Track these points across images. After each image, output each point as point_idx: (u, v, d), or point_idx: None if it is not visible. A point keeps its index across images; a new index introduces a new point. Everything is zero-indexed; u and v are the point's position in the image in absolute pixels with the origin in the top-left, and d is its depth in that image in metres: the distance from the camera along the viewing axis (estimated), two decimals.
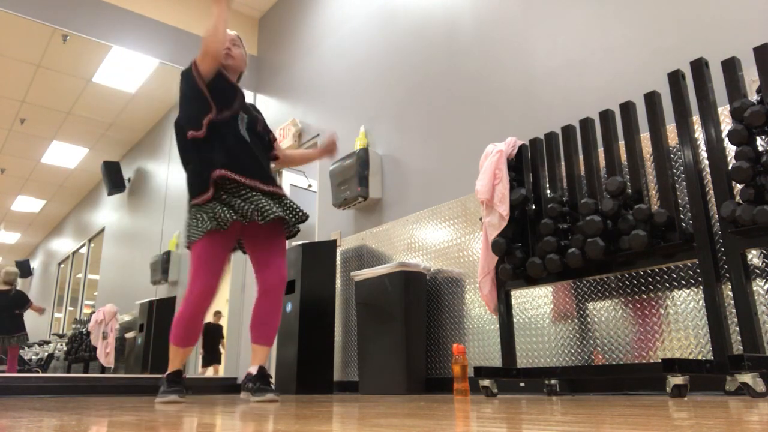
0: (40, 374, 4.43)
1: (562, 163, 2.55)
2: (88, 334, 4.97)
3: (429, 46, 3.71)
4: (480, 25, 3.36)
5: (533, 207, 2.52)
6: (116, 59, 5.10)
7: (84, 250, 5.47)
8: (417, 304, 3.11)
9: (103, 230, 5.46)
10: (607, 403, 1.56)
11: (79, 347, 5.01)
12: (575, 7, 2.83)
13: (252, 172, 2.39)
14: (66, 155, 5.22)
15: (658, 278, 2.24)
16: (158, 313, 4.99)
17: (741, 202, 1.79)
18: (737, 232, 1.80)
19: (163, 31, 5.31)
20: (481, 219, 2.84)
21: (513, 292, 2.78)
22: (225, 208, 2.29)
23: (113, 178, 5.33)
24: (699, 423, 0.87)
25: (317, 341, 3.58)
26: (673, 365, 1.71)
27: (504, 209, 2.45)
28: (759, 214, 1.71)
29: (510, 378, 2.39)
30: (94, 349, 4.91)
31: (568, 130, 2.45)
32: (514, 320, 2.76)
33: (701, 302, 2.10)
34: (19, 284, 4.84)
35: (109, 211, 5.47)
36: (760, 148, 1.84)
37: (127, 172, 5.43)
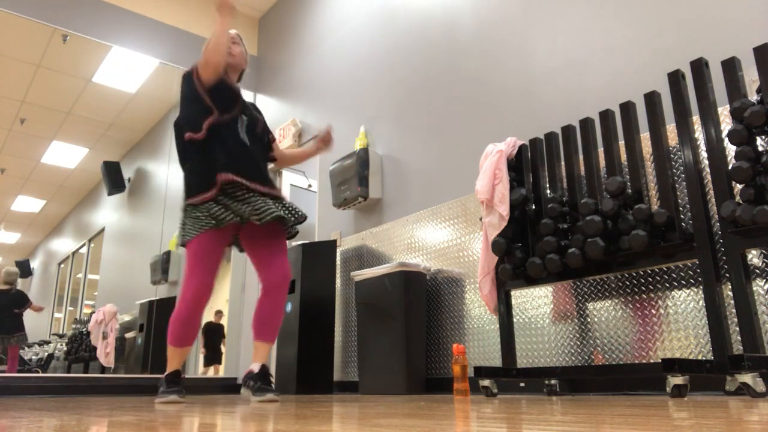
0: (40, 374, 4.43)
1: (562, 163, 2.55)
2: (88, 334, 4.97)
3: (429, 46, 3.71)
4: (480, 25, 3.36)
5: (533, 207, 2.52)
6: (116, 59, 5.10)
7: (84, 250, 5.47)
8: (417, 304, 3.11)
9: (103, 230, 5.45)
10: (607, 403, 1.56)
11: (79, 347, 5.01)
12: (575, 7, 2.83)
13: (251, 174, 2.40)
14: (66, 155, 5.22)
15: (658, 278, 2.24)
16: (158, 313, 4.99)
17: (741, 202, 1.79)
18: (737, 232, 1.80)
19: (163, 31, 5.31)
20: (481, 219, 2.84)
21: (513, 292, 2.78)
22: (222, 209, 2.31)
23: (113, 178, 5.32)
24: (699, 423, 0.87)
25: (317, 341, 3.58)
26: (673, 365, 1.71)
27: (504, 209, 2.45)
28: (759, 214, 1.71)
29: (510, 378, 2.39)
30: (94, 349, 4.91)
31: (568, 130, 2.45)
32: (514, 320, 2.75)
33: (701, 302, 2.10)
34: (19, 284, 4.84)
35: (109, 211, 5.47)
36: (760, 148, 1.84)
37: (127, 172, 5.43)
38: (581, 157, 2.46)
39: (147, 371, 4.79)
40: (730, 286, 1.91)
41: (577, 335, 2.49)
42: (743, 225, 1.76)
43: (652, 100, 2.13)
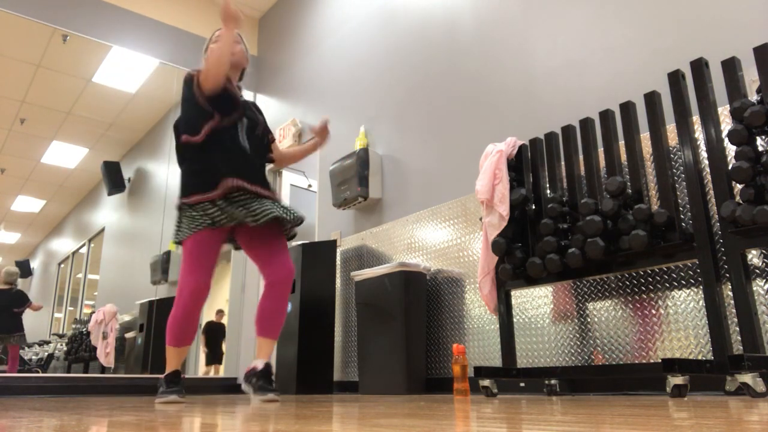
0: (40, 374, 4.43)
1: (562, 163, 2.55)
2: (88, 334, 4.97)
3: (429, 46, 3.71)
4: (480, 25, 3.36)
5: (533, 207, 2.52)
6: (116, 59, 5.10)
7: (84, 250, 5.47)
8: (417, 304, 3.11)
9: (103, 230, 5.46)
10: (607, 403, 1.56)
11: (79, 347, 5.01)
12: (575, 7, 2.83)
13: (251, 179, 2.41)
14: (66, 155, 5.22)
15: (658, 278, 2.24)
16: (158, 313, 4.99)
17: (741, 202, 1.79)
18: (737, 232, 1.80)
19: (163, 31, 5.31)
20: (481, 219, 2.84)
21: (513, 292, 2.78)
22: (218, 211, 2.32)
23: (113, 178, 5.32)
24: (699, 423, 0.87)
25: (317, 341, 3.58)
26: (673, 365, 1.71)
27: (504, 209, 2.45)
28: (759, 214, 1.71)
29: (510, 378, 2.39)
30: (94, 349, 4.91)
31: (568, 130, 2.45)
32: (514, 320, 2.75)
33: (701, 302, 2.10)
34: (20, 284, 4.84)
35: (109, 211, 5.47)
36: (760, 148, 1.84)
37: (127, 172, 5.43)
38: (581, 157, 2.46)
39: (147, 371, 4.79)
40: (730, 286, 1.91)
41: (577, 335, 2.49)
42: (743, 225, 1.76)
43: (652, 100, 2.13)
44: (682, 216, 2.17)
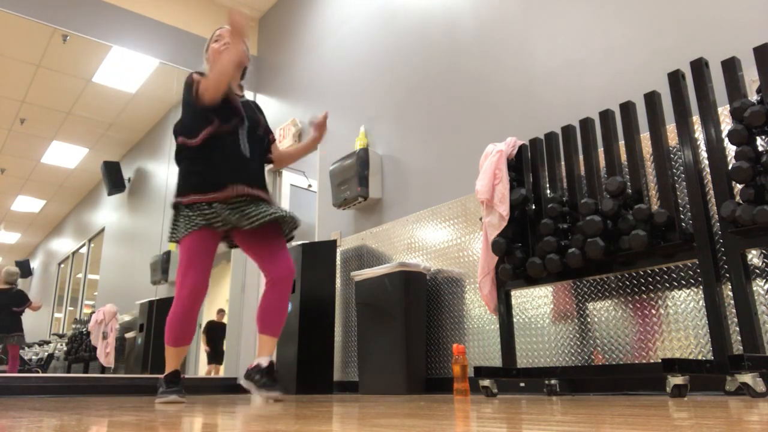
0: (40, 374, 4.43)
1: (562, 163, 2.55)
2: (88, 334, 4.97)
3: (429, 46, 3.71)
4: (480, 25, 3.36)
5: (533, 207, 2.52)
6: (116, 59, 5.10)
7: (84, 250, 5.47)
8: (417, 304, 3.11)
9: (103, 230, 5.46)
10: (607, 403, 1.56)
11: (79, 347, 5.01)
12: (575, 7, 2.83)
13: (250, 182, 2.41)
14: (66, 155, 5.22)
15: (658, 278, 2.24)
16: (158, 313, 4.99)
17: (741, 202, 1.79)
18: (737, 232, 1.80)
19: (163, 31, 5.31)
20: (481, 219, 2.84)
21: (513, 292, 2.78)
22: (213, 213, 2.32)
23: (113, 178, 5.32)
24: (699, 423, 0.87)
25: (317, 341, 3.58)
26: (673, 365, 1.71)
27: (504, 209, 2.45)
28: (759, 214, 1.71)
29: (510, 378, 2.39)
30: (94, 349, 4.91)
31: (568, 130, 2.45)
32: (514, 320, 2.75)
33: (701, 302, 2.10)
34: (20, 284, 4.84)
35: (109, 211, 5.47)
36: (760, 148, 1.84)
37: (127, 172, 5.43)
38: (581, 157, 2.46)
39: (147, 371, 4.79)
40: (730, 286, 1.91)
41: (577, 335, 2.49)
42: (743, 225, 1.76)
43: (652, 100, 2.13)
44: (682, 216, 2.17)
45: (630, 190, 2.14)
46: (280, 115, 5.32)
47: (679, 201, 2.16)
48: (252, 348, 4.86)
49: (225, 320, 6.45)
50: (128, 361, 5.04)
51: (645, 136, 2.36)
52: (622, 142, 2.42)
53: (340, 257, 4.11)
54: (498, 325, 2.72)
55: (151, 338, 4.88)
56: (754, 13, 2.17)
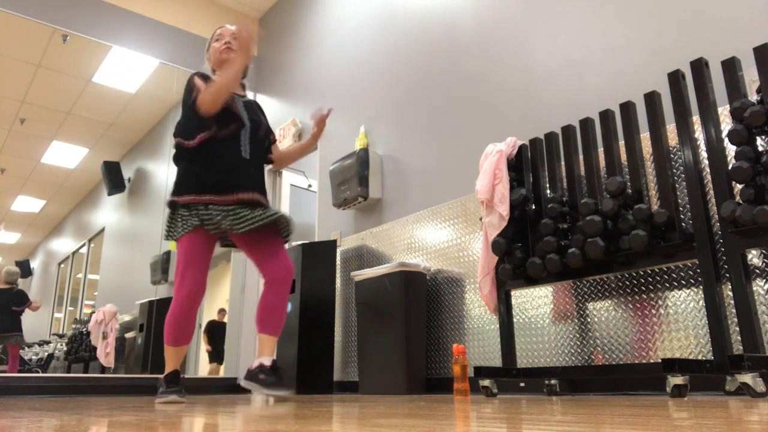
0: (40, 374, 4.43)
1: (562, 163, 2.55)
2: (88, 334, 4.97)
3: (429, 46, 3.71)
4: (480, 25, 3.36)
5: (533, 207, 2.52)
6: (116, 59, 5.10)
7: (84, 250, 5.47)
8: (417, 304, 3.11)
9: (103, 230, 5.46)
10: (607, 403, 1.56)
11: (79, 347, 5.01)
12: (575, 7, 2.83)
13: (248, 187, 2.40)
14: (66, 155, 5.22)
15: (658, 278, 2.24)
16: (158, 313, 4.99)
17: (741, 202, 1.79)
18: (737, 232, 1.80)
19: (163, 31, 5.31)
20: (481, 219, 2.84)
21: (513, 292, 2.78)
22: (209, 215, 2.32)
23: (113, 178, 5.32)
24: (699, 423, 0.87)
25: (317, 341, 3.58)
26: (673, 365, 1.71)
27: (504, 209, 2.45)
28: (759, 214, 1.71)
29: (510, 378, 2.39)
30: (94, 349, 4.91)
31: (568, 130, 2.45)
32: (514, 320, 2.75)
33: (701, 302, 2.10)
34: (20, 284, 4.84)
35: (109, 211, 5.47)
36: (760, 148, 1.84)
37: (127, 172, 5.43)
38: (581, 157, 2.46)
39: (147, 371, 4.79)
40: (730, 286, 1.91)
41: (577, 335, 2.49)
42: (743, 225, 1.76)
43: (652, 100, 2.13)
44: (682, 216, 2.17)
45: (630, 190, 2.14)
46: (280, 115, 5.32)
47: (679, 201, 2.16)
48: (252, 348, 4.86)
49: (226, 320, 6.46)
50: (128, 361, 5.04)
51: (645, 136, 2.36)
52: (622, 142, 2.42)
53: (340, 257, 4.11)
54: (498, 325, 2.72)
55: (151, 338, 4.88)
56: (754, 13, 2.17)
